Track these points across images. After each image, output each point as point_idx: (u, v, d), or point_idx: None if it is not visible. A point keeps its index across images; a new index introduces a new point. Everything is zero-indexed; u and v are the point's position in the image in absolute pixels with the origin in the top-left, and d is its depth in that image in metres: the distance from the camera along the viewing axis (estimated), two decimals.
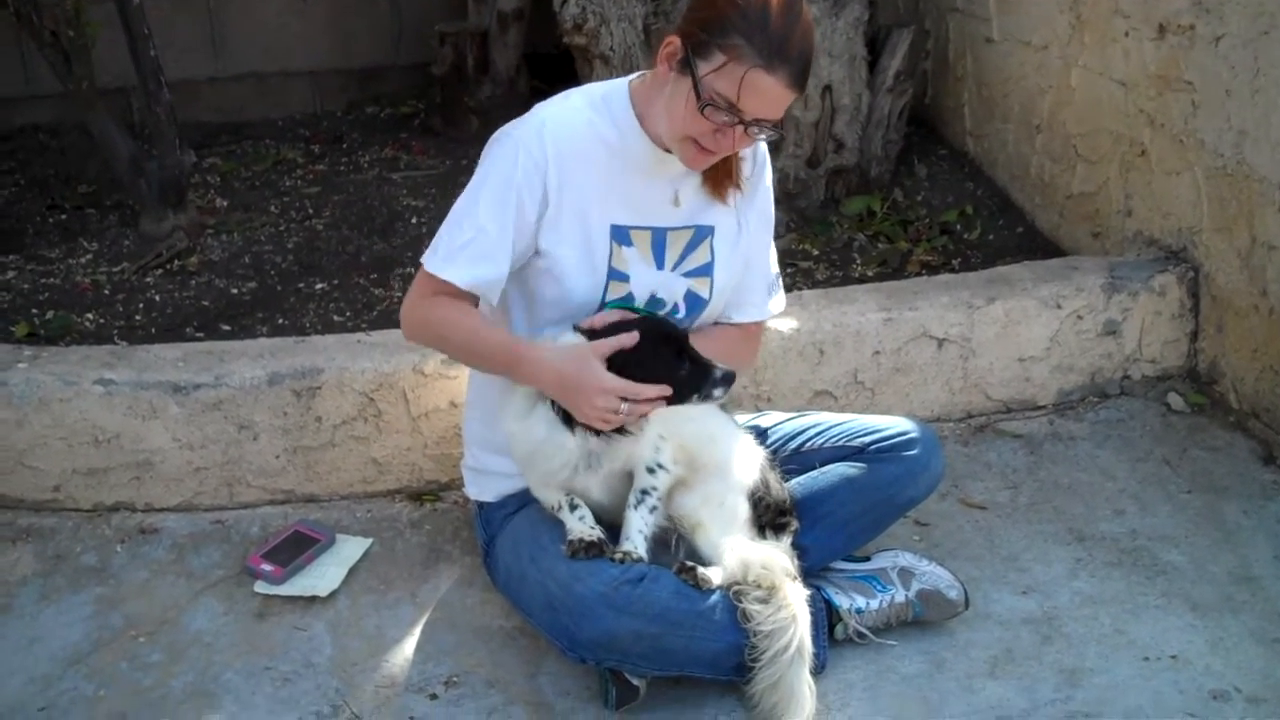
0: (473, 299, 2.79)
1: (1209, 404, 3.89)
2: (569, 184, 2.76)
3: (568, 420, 2.70)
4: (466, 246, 2.74)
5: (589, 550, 2.73)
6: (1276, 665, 2.90)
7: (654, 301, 2.88)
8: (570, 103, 2.84)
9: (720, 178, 2.86)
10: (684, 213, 2.88)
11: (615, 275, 2.83)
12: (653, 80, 2.75)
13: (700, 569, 2.76)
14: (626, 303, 2.84)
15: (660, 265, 2.87)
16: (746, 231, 2.97)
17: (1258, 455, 3.67)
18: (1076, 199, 4.45)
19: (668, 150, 2.76)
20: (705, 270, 2.92)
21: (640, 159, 2.80)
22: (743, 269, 3.00)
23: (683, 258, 2.89)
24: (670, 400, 2.69)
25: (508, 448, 2.88)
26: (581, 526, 2.79)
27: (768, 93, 2.58)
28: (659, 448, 2.80)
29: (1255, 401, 3.75)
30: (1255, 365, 3.73)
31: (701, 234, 2.90)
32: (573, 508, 2.82)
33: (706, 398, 2.74)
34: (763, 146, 2.95)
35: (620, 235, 2.82)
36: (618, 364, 2.63)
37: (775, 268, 3.12)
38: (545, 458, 2.78)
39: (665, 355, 2.69)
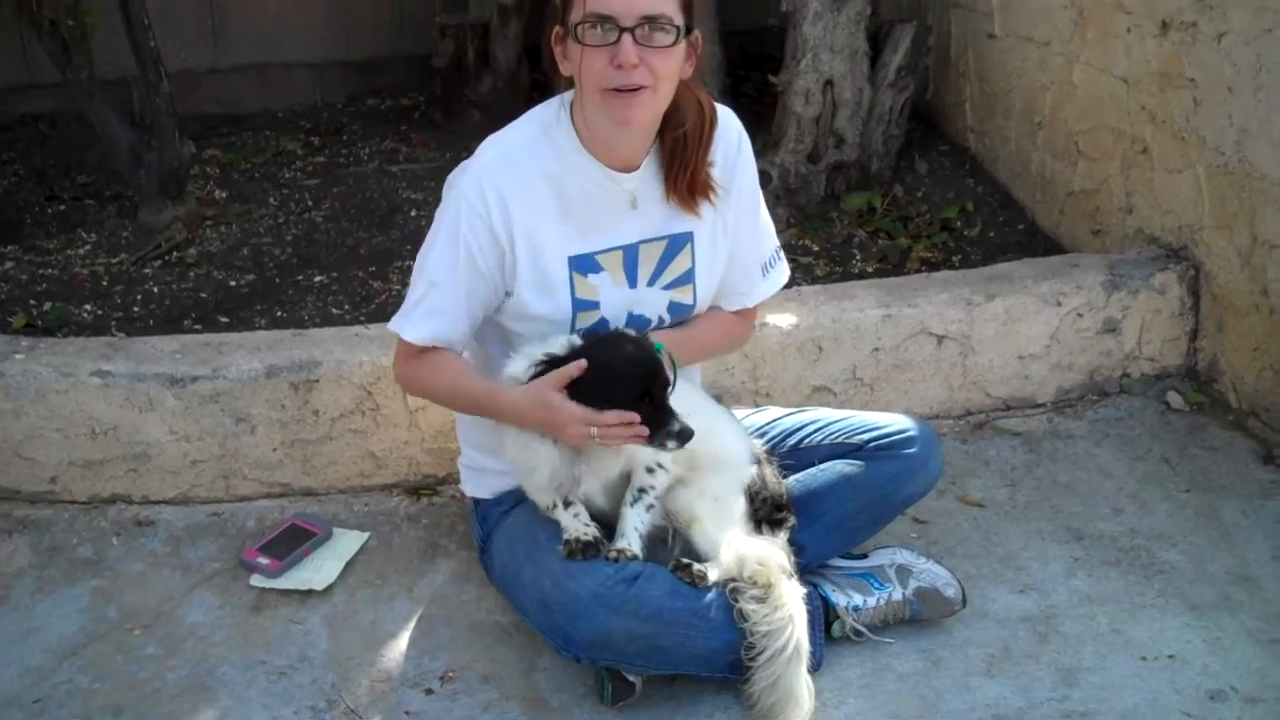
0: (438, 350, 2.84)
1: (1208, 403, 3.89)
2: (519, 227, 2.75)
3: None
4: (420, 302, 2.80)
5: (585, 551, 2.72)
6: (1274, 665, 2.90)
7: (634, 319, 2.86)
8: (512, 138, 2.82)
9: (688, 190, 2.82)
10: (655, 223, 2.84)
11: (581, 305, 2.81)
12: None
13: (695, 565, 2.75)
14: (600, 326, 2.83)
15: (633, 283, 2.85)
16: (728, 230, 2.93)
17: (1257, 455, 3.66)
18: (1077, 196, 4.44)
19: (619, 169, 2.76)
20: (687, 278, 2.90)
21: (587, 181, 2.78)
22: (727, 267, 2.97)
23: (660, 270, 2.86)
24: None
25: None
26: (577, 524, 2.78)
27: None
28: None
29: (1255, 401, 3.74)
30: (1255, 364, 3.73)
31: (678, 243, 2.86)
32: (567, 505, 2.81)
33: (659, 445, 2.69)
34: (739, 138, 2.92)
35: (583, 264, 2.80)
36: (581, 387, 2.62)
37: (773, 242, 3.08)
38: (532, 476, 2.80)
39: (631, 391, 2.64)
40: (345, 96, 5.95)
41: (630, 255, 2.83)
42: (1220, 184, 3.75)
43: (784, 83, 4.79)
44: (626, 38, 2.57)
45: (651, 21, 2.58)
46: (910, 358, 3.74)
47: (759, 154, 2.87)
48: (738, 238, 2.97)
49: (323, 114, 5.79)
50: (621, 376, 2.64)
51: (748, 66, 5.63)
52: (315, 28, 5.85)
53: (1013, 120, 4.81)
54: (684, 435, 2.66)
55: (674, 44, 2.61)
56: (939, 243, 4.61)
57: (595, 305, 2.82)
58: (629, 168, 2.78)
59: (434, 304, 2.78)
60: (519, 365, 2.72)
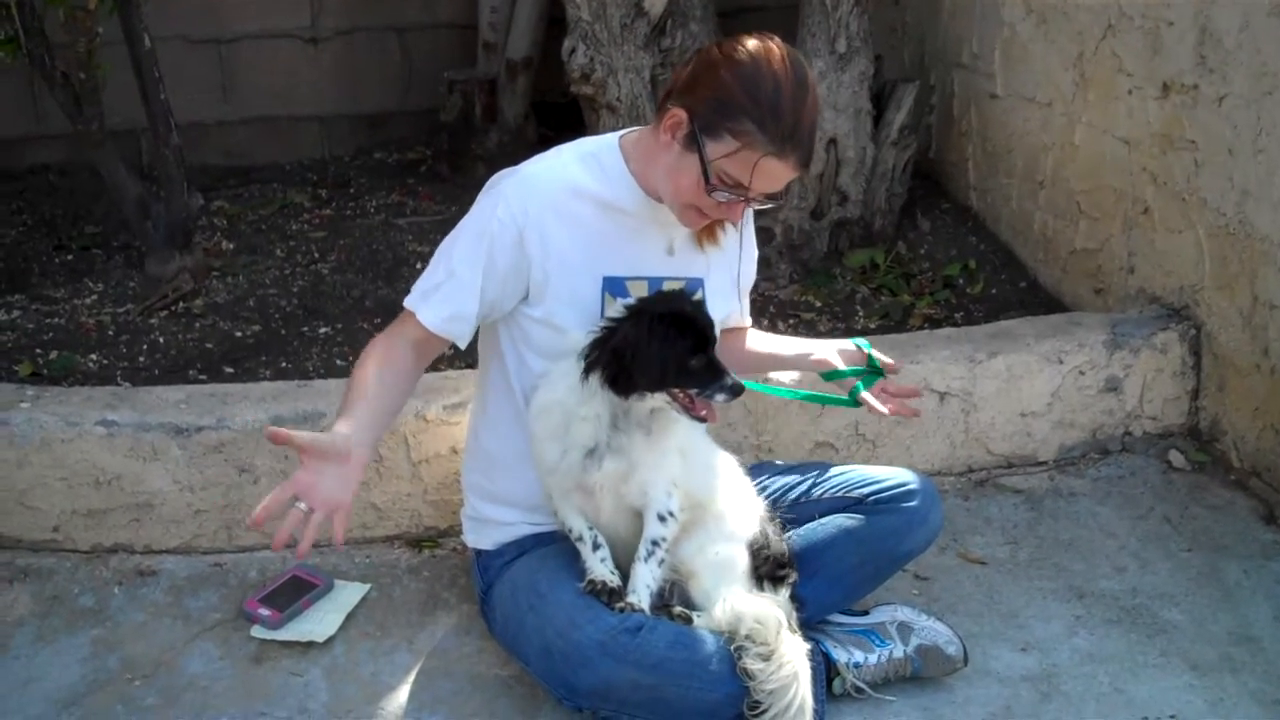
0: (439, 342, 2.84)
1: (1210, 462, 3.89)
2: (553, 241, 2.78)
3: (613, 383, 2.67)
4: (438, 288, 2.81)
5: (611, 597, 2.74)
6: None
7: None
8: (559, 159, 2.87)
9: (707, 231, 2.91)
10: (678, 264, 2.91)
11: None
12: (652, 141, 2.77)
13: (678, 608, 2.78)
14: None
15: None
16: (736, 279, 3.04)
17: (1258, 514, 3.66)
18: (1079, 255, 4.47)
19: (660, 200, 2.81)
20: None
21: (632, 211, 2.83)
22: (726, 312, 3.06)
23: None
24: (673, 385, 2.68)
25: (507, 496, 2.93)
26: (603, 569, 2.80)
27: (777, 175, 2.66)
28: (670, 493, 2.79)
29: (1256, 460, 3.75)
30: (1256, 424, 3.74)
31: (693, 286, 2.91)
32: (595, 546, 2.83)
33: (709, 397, 2.69)
34: None
35: (614, 287, 2.84)
36: (626, 348, 2.62)
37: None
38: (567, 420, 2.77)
39: (682, 344, 2.65)
40: (353, 149, 6.00)
41: (654, 288, 2.87)
42: (1221, 245, 3.78)
43: None
44: (743, 205, 2.72)
45: (771, 197, 2.72)
46: None
47: (763, 211, 2.93)
48: (744, 284, 3.11)
49: (330, 167, 5.84)
50: (678, 330, 2.65)
51: None
52: (324, 81, 5.91)
53: (1015, 179, 4.84)
54: (736, 389, 2.69)
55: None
56: (941, 300, 4.64)
57: None
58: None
59: (450, 292, 2.79)
60: (575, 338, 2.76)
